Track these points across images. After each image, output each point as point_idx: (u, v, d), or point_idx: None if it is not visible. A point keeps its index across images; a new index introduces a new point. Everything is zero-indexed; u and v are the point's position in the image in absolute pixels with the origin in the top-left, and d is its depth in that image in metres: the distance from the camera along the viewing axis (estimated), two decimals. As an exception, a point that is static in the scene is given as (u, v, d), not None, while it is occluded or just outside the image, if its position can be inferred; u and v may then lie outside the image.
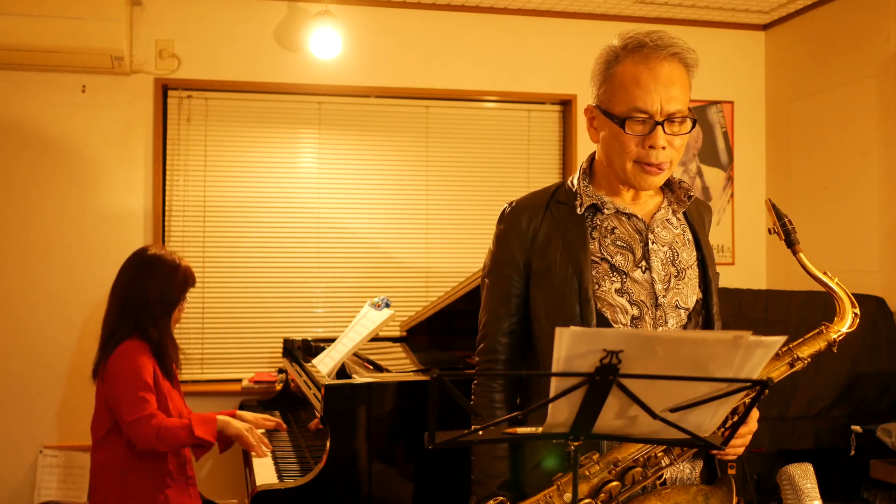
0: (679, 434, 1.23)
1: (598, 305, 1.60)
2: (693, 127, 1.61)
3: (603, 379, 1.13)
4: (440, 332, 3.53)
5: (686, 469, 1.64)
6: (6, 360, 3.82)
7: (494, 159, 4.42)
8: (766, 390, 1.17)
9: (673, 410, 1.20)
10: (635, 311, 1.61)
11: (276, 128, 4.18)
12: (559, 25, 4.41)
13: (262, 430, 2.86)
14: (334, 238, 4.23)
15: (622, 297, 1.61)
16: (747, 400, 1.46)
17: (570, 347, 1.11)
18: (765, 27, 4.68)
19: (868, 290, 3.78)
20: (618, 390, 1.15)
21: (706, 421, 1.24)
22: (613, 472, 1.48)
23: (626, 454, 1.49)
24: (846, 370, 3.52)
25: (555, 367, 1.14)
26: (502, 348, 1.71)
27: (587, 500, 1.46)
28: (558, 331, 1.10)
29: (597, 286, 1.61)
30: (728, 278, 4.42)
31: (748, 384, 1.16)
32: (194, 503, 2.70)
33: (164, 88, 4.04)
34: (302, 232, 4.20)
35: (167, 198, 4.05)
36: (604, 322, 1.60)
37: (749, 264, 4.63)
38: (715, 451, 1.64)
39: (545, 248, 1.66)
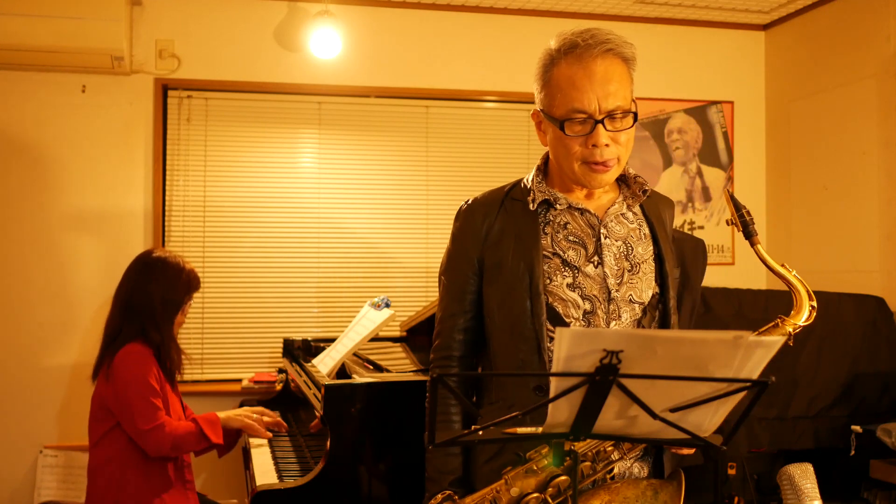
0: (679, 434, 1.23)
1: (550, 300, 1.61)
2: (635, 121, 1.61)
3: (603, 379, 1.13)
4: (440, 332, 3.53)
5: (634, 468, 1.65)
6: (6, 360, 3.82)
7: (494, 159, 4.41)
8: (764, 389, 1.16)
9: (673, 410, 1.20)
10: (587, 306, 1.62)
11: (276, 128, 4.18)
12: (559, 25, 4.35)
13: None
14: (334, 238, 4.23)
15: (574, 291, 1.62)
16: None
17: (570, 347, 1.11)
18: (765, 27, 4.68)
19: (868, 290, 3.78)
20: (618, 390, 1.15)
21: (706, 421, 1.23)
22: (562, 466, 1.48)
23: (575, 448, 1.49)
24: (846, 370, 3.52)
25: (555, 367, 1.14)
26: (457, 345, 1.73)
27: (535, 495, 1.46)
28: (558, 331, 1.10)
29: (548, 281, 1.62)
30: (728, 278, 4.42)
31: (748, 384, 1.16)
32: None
33: (164, 88, 4.03)
34: (302, 232, 4.19)
35: (167, 198, 4.04)
36: (555, 316, 1.61)
37: (749, 264, 4.62)
38: (675, 448, 1.64)
39: (498, 244, 1.67)
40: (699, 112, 4.61)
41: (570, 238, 1.65)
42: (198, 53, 4.04)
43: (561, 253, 1.64)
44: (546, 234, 1.66)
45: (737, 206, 1.68)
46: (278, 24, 4.14)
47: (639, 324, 1.64)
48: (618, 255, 1.65)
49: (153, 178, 3.99)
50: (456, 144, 4.38)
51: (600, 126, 1.56)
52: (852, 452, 3.39)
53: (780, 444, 3.47)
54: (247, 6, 4.11)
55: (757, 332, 1.62)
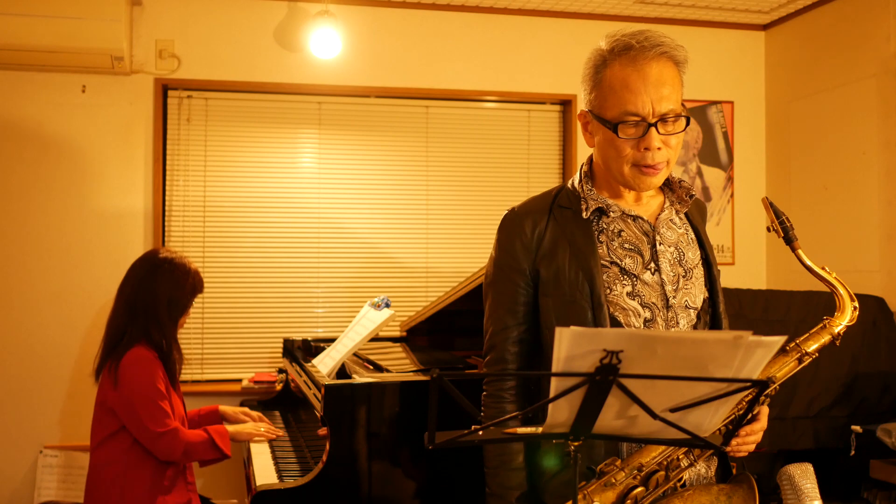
0: (679, 434, 1.23)
1: (611, 310, 1.59)
2: (687, 125, 1.61)
3: (603, 379, 1.13)
4: (440, 332, 3.53)
5: (702, 468, 1.64)
6: (6, 360, 3.82)
7: (494, 159, 4.41)
8: (764, 389, 1.16)
9: (673, 410, 1.20)
10: (647, 314, 1.60)
11: (276, 128, 4.18)
12: (559, 25, 4.41)
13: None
14: (334, 238, 4.23)
15: (634, 300, 1.61)
16: (748, 397, 1.47)
17: (571, 347, 1.11)
18: (765, 27, 4.68)
19: (868, 290, 3.78)
20: (618, 390, 1.15)
21: (706, 421, 1.24)
22: (638, 477, 1.47)
23: (649, 458, 1.49)
24: (846, 370, 3.52)
25: (555, 367, 1.13)
26: (512, 357, 1.68)
27: None
28: (558, 330, 1.10)
29: (608, 290, 1.60)
30: (728, 278, 4.42)
31: (748, 384, 1.16)
32: None
33: (164, 88, 4.04)
34: (302, 232, 4.20)
35: (167, 198, 4.05)
36: (617, 326, 1.60)
37: (749, 264, 4.63)
38: (729, 449, 1.63)
39: (552, 255, 1.64)
40: (699, 112, 4.61)
41: (626, 246, 1.64)
42: (198, 53, 4.04)
43: (618, 261, 1.62)
44: (601, 242, 1.64)
45: (776, 213, 1.67)
46: (278, 24, 4.14)
47: (694, 329, 1.64)
48: (672, 262, 1.65)
49: (153, 178, 3.99)
50: (456, 144, 4.38)
51: (653, 129, 1.55)
52: (852, 452, 3.39)
53: (780, 444, 3.48)
54: (247, 6, 4.11)
55: (806, 334, 1.64)
